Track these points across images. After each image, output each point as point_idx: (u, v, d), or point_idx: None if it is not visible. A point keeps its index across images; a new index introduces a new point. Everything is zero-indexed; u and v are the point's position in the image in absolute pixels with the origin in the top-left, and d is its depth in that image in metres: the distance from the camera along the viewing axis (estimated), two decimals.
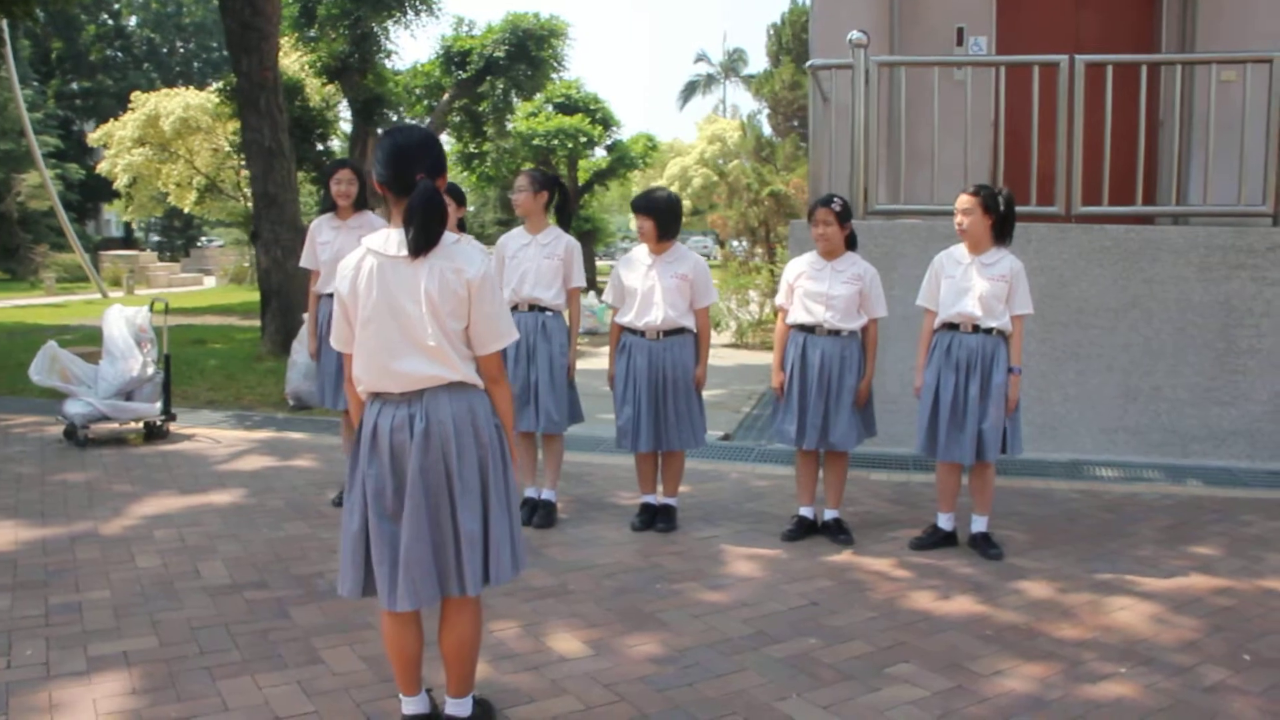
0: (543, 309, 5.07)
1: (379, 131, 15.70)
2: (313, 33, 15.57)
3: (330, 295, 5.43)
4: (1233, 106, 6.84)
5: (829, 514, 5.04)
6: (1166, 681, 3.40)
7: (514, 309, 5.12)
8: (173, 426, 7.36)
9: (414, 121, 18.87)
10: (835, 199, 4.79)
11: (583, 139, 23.00)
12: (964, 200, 4.56)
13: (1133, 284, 6.72)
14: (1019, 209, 4.95)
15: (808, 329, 4.88)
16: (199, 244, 36.77)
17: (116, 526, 5.07)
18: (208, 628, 3.76)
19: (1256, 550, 4.86)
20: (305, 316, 9.31)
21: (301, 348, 9.18)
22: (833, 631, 3.79)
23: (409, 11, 14.66)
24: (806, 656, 3.57)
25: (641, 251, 5.13)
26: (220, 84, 16.26)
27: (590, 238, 24.65)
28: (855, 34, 6.93)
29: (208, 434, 7.41)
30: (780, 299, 5.03)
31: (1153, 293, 6.71)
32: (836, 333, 4.82)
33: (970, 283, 4.56)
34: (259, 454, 6.78)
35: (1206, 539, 5.06)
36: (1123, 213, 6.99)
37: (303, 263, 5.55)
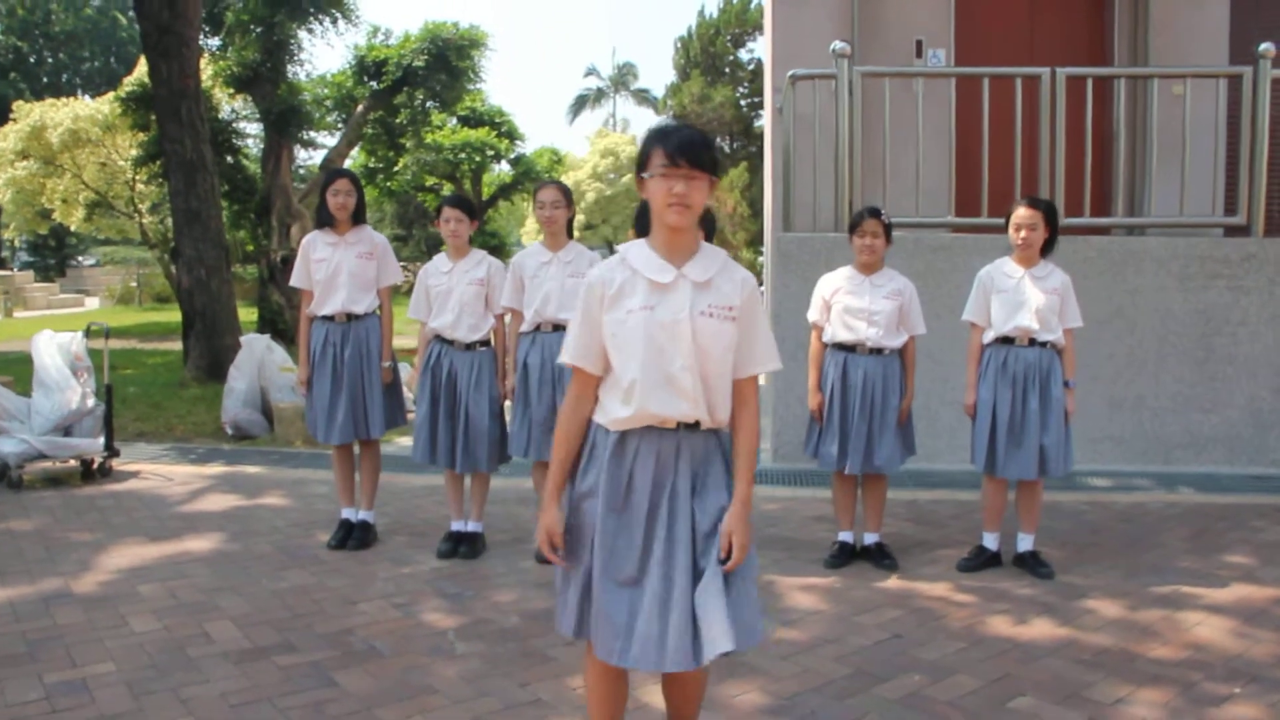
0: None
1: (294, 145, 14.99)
2: (217, 41, 14.74)
3: (326, 317, 4.98)
4: (1203, 120, 7.01)
5: (869, 538, 4.86)
6: None
7: (536, 330, 4.79)
8: (114, 463, 6.69)
9: (324, 134, 18.11)
10: (881, 210, 4.63)
11: (489, 153, 22.58)
12: (1026, 214, 4.45)
13: (1117, 294, 6.79)
14: (1003, 221, 4.85)
15: (848, 348, 4.69)
16: (73, 263, 34.50)
17: (91, 583, 4.49)
18: (249, 703, 3.29)
19: None
20: (239, 342, 8.74)
21: (239, 374, 8.60)
22: (932, 666, 3.59)
23: (326, 19, 13.98)
24: (920, 695, 3.35)
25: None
26: (117, 92, 15.21)
27: (497, 253, 24.23)
28: (838, 44, 6.85)
29: (155, 470, 6.76)
30: (815, 315, 4.83)
31: (1135, 303, 6.80)
32: (879, 351, 4.65)
33: (1025, 296, 4.45)
34: (221, 492, 6.20)
35: (1232, 547, 5.08)
36: (1104, 224, 7.08)
37: (294, 281, 5.06)
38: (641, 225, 2.49)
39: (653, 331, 2.37)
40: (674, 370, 2.37)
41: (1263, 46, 6.67)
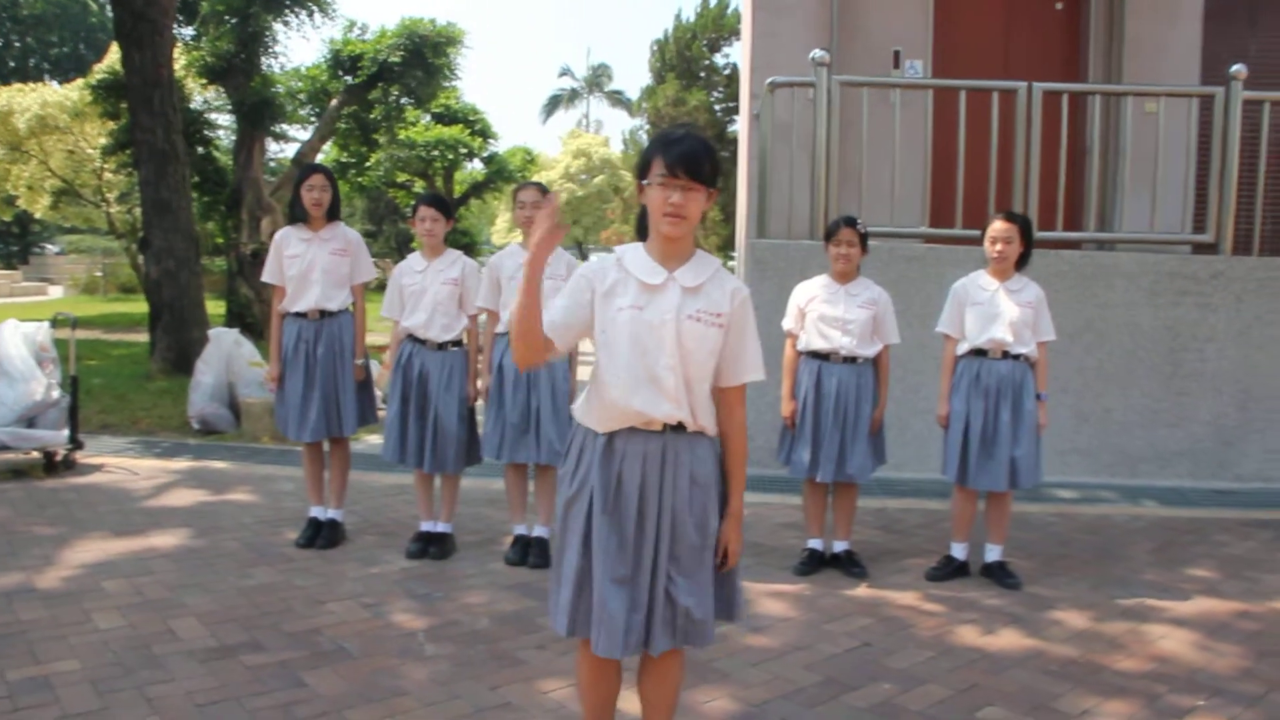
0: None
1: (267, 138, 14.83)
2: (191, 30, 14.55)
3: (299, 314, 4.93)
4: (1175, 138, 7.11)
5: (839, 546, 4.88)
6: (1248, 712, 3.37)
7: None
8: (78, 456, 6.57)
9: (297, 128, 17.93)
10: (857, 219, 4.66)
11: (462, 150, 22.47)
12: (1002, 228, 4.49)
13: (1087, 308, 6.87)
14: (976, 232, 4.92)
15: (822, 356, 4.71)
16: (36, 251, 33.91)
17: (54, 578, 4.41)
18: (216, 703, 3.25)
19: (1249, 571, 4.98)
20: (207, 336, 8.64)
21: (207, 368, 8.48)
22: (901, 675, 3.61)
23: (302, 11, 13.85)
24: (890, 704, 3.37)
25: None
26: (87, 79, 14.98)
27: (469, 251, 24.17)
28: (818, 53, 6.87)
29: (119, 464, 6.66)
30: (789, 324, 4.85)
31: (1105, 317, 6.88)
32: (852, 360, 4.68)
33: (1000, 309, 4.49)
34: (187, 487, 6.11)
35: (1195, 561, 5.16)
36: (1076, 238, 7.16)
37: (266, 277, 5.00)
38: (641, 229, 2.51)
39: (639, 331, 2.39)
40: (658, 370, 2.39)
41: (1234, 68, 6.79)
